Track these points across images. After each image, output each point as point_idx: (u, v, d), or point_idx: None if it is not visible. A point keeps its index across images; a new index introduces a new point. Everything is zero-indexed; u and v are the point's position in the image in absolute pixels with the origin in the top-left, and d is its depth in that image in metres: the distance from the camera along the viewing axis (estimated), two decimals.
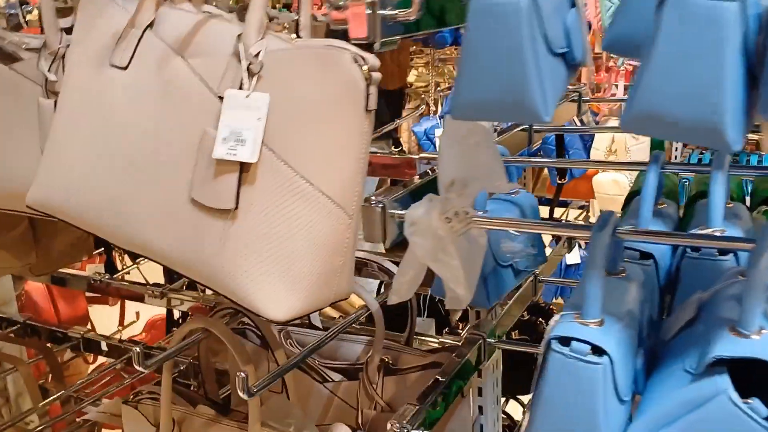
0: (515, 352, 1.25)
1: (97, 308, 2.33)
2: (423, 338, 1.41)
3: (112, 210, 0.83)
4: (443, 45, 2.93)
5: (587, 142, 2.86)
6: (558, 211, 1.95)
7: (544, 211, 1.35)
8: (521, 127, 1.22)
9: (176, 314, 2.16)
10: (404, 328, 1.26)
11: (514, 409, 1.79)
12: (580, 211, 2.93)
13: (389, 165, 1.49)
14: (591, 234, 0.71)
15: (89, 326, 2.23)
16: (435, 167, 1.12)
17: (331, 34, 0.84)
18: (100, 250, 1.92)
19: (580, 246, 2.47)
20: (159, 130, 0.79)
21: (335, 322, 1.41)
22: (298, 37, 0.82)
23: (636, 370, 0.72)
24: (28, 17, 1.28)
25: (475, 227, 0.78)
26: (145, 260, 2.09)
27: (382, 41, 0.78)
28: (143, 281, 2.03)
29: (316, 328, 1.29)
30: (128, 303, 2.28)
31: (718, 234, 0.86)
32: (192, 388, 1.61)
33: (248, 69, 0.75)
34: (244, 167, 0.75)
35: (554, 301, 2.72)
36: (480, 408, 1.25)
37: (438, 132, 2.86)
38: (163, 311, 2.19)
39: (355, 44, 0.76)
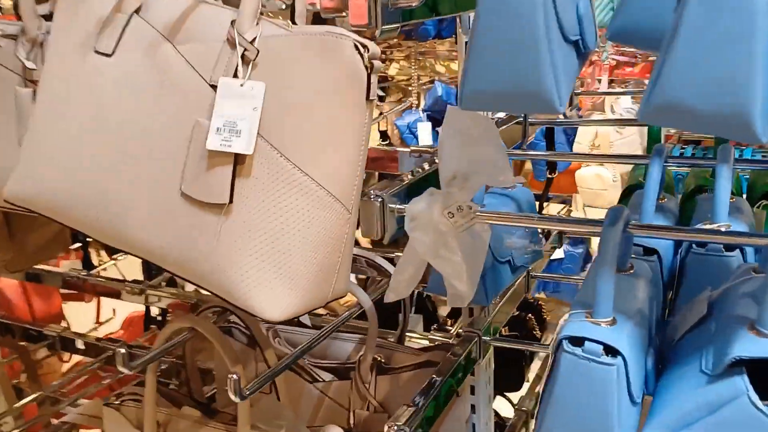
0: (504, 348, 1.23)
1: (73, 305, 2.26)
2: (411, 335, 1.38)
3: (100, 204, 0.78)
4: (426, 38, 2.91)
5: (570, 136, 2.85)
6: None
7: None
8: (516, 120, 1.19)
9: (155, 311, 2.11)
10: (391, 324, 1.23)
11: (501, 405, 1.77)
12: (563, 205, 2.92)
13: (371, 158, 1.46)
14: (602, 230, 0.68)
15: (64, 324, 2.17)
16: (426, 161, 1.09)
17: (318, 22, 0.80)
18: (76, 245, 1.87)
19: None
20: (148, 120, 0.75)
21: (323, 320, 1.38)
22: (294, 24, 0.78)
23: (647, 370, 0.70)
24: (2, 4, 1.22)
25: (479, 222, 0.75)
26: (124, 256, 2.04)
27: (383, 29, 0.75)
28: (121, 278, 1.98)
29: (304, 325, 1.25)
30: (105, 299, 2.22)
31: (724, 229, 0.84)
32: (171, 386, 1.57)
33: (243, 56, 0.71)
34: (238, 159, 0.71)
35: (536, 295, 2.72)
36: (472, 406, 1.23)
37: (421, 126, 2.83)
38: (140, 307, 2.14)
39: (354, 31, 0.73)
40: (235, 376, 0.80)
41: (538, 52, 0.59)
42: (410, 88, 3.15)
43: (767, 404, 0.58)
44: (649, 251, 0.86)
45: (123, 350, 0.86)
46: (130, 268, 2.03)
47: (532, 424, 1.45)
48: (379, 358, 1.09)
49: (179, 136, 0.73)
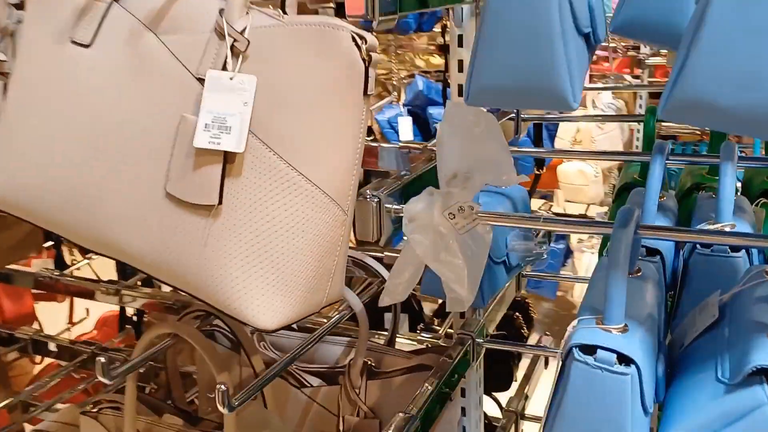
0: (492, 348, 1.20)
1: (45, 305, 2.19)
2: (398, 336, 1.35)
3: (74, 204, 0.73)
4: (407, 31, 2.87)
5: (551, 131, 2.84)
6: None
7: None
8: (508, 116, 1.16)
9: (130, 310, 2.05)
10: (372, 323, 1.19)
11: (487, 405, 1.74)
12: (543, 201, 2.91)
13: None
14: (612, 232, 0.65)
15: (36, 325, 2.10)
16: (421, 158, 1.05)
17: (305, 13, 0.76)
18: (48, 243, 1.80)
19: None
20: (129, 115, 0.70)
21: (309, 321, 1.34)
22: (284, 13, 0.74)
23: (657, 378, 0.67)
24: None
25: (482, 223, 0.72)
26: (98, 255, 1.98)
27: (380, 19, 0.71)
28: (95, 277, 1.91)
29: (290, 328, 1.21)
30: (79, 299, 2.15)
31: (729, 229, 0.82)
32: (149, 391, 1.52)
33: (232, 47, 0.67)
34: (228, 158, 0.67)
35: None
36: (462, 409, 1.20)
37: (402, 120, 2.80)
38: (115, 307, 2.08)
39: (350, 22, 0.69)
40: (223, 387, 0.75)
41: (553, 44, 0.55)
42: (390, 83, 3.11)
43: None
44: (652, 252, 0.84)
45: (103, 359, 0.81)
46: (104, 268, 1.97)
47: (522, 425, 1.43)
48: (369, 362, 1.05)
49: (163, 132, 0.69)
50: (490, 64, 0.58)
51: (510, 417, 1.36)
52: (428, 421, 0.90)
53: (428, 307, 2.04)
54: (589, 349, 0.63)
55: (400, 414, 0.86)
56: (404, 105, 3.00)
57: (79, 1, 0.73)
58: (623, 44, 2.73)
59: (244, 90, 0.66)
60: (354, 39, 0.66)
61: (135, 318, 2.06)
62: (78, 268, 1.92)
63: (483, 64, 0.58)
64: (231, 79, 0.66)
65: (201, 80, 0.68)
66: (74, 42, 0.72)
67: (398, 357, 1.08)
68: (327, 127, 0.68)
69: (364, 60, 0.67)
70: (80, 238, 0.76)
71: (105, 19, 0.72)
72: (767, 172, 1.07)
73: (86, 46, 0.72)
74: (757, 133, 0.50)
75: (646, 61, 2.65)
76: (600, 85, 2.50)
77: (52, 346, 1.65)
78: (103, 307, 2.19)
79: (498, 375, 1.45)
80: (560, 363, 0.65)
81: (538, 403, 1.48)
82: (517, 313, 1.59)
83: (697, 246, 0.82)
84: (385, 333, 1.34)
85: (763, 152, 1.24)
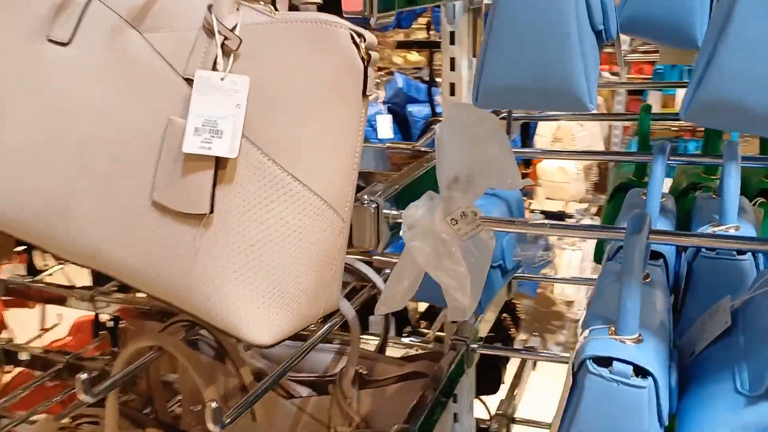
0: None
1: (15, 311, 2.12)
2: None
3: (51, 211, 0.68)
4: (387, 28, 2.83)
5: (531, 129, 2.82)
6: None
7: None
8: (501, 116, 1.13)
9: (104, 316, 1.99)
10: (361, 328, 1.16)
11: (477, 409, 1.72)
12: (523, 198, 2.89)
13: None
14: (624, 238, 0.63)
15: (6, 332, 2.03)
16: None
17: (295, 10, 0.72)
18: (20, 248, 1.74)
19: None
20: (111, 118, 0.66)
21: None
22: (275, 9, 0.70)
23: (671, 388, 0.64)
24: None
25: (486, 230, 0.68)
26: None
27: (378, 16, 0.67)
28: (68, 283, 1.85)
29: None
30: (51, 305, 2.09)
31: (733, 231, 0.80)
32: (128, 401, 1.47)
33: (223, 46, 0.63)
34: (219, 163, 0.63)
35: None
36: (455, 415, 1.17)
37: (380, 118, 2.76)
38: (89, 312, 2.01)
39: (347, 19, 0.65)
40: (214, 404, 0.71)
41: (569, 41, 0.52)
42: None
43: None
44: (655, 255, 0.81)
45: (84, 376, 0.76)
46: (78, 273, 1.90)
47: (513, 428, 1.41)
48: (361, 370, 1.02)
49: (149, 136, 0.64)
50: (501, 64, 0.55)
51: (501, 421, 1.34)
52: (427, 430, 0.87)
53: (410, 306, 2.01)
54: (603, 361, 0.60)
55: (398, 427, 0.83)
56: (384, 102, 2.96)
57: None
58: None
59: (236, 91, 0.62)
60: (352, 37, 0.63)
61: (111, 323, 2.00)
62: (50, 274, 1.86)
63: (493, 64, 0.55)
64: (222, 79, 0.62)
65: (189, 81, 0.63)
66: (51, 40, 0.67)
67: (390, 364, 1.04)
68: (323, 131, 0.64)
69: (363, 59, 0.64)
70: (61, 249, 0.71)
71: (84, 15, 0.67)
72: (762, 171, 1.05)
73: (64, 45, 0.67)
74: None
75: (625, 58, 2.65)
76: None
77: (23, 355, 1.59)
78: (76, 312, 2.12)
79: (487, 378, 1.43)
80: (571, 374, 0.62)
81: (527, 406, 1.46)
82: (505, 314, 1.57)
83: (702, 249, 0.80)
84: (372, 336, 1.31)
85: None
